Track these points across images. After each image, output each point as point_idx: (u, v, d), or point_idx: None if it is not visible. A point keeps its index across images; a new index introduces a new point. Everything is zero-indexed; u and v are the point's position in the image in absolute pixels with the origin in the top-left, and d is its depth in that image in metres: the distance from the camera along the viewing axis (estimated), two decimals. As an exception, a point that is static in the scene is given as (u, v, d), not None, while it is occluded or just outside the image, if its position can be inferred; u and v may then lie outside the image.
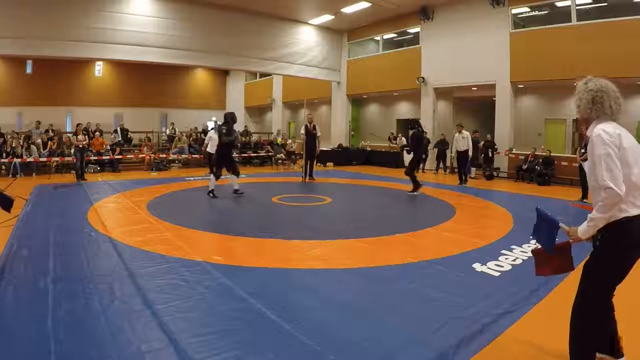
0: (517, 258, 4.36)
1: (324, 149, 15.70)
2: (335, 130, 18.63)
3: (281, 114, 22.21)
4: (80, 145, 10.66)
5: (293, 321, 2.83)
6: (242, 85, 24.75)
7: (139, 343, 2.51)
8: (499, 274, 3.92)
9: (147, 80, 20.33)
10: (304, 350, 2.48)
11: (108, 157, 13.12)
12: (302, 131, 10.88)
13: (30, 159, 11.50)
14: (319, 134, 10.97)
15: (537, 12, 12.48)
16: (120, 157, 13.50)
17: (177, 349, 2.44)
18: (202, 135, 14.70)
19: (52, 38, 11.35)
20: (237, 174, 8.17)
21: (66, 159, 11.97)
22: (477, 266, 4.09)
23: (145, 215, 6.36)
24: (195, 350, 2.43)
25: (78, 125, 11.52)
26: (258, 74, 22.41)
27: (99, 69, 19.81)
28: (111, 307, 3.03)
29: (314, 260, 4.28)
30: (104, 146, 13.41)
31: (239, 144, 14.50)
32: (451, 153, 12.15)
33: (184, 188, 9.44)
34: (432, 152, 14.21)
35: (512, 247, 4.73)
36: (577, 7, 11.16)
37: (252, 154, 15.69)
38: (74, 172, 10.93)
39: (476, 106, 16.18)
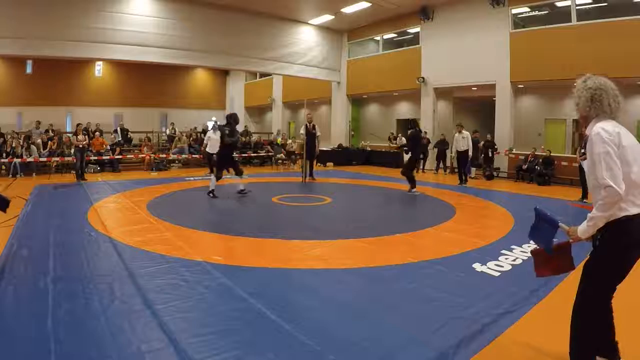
0: (517, 258, 4.36)
1: (324, 148, 15.70)
2: (335, 130, 18.63)
3: (281, 114, 22.21)
4: (80, 145, 10.66)
5: (293, 321, 2.83)
6: (242, 85, 24.75)
7: (139, 343, 2.51)
8: (499, 274, 3.92)
9: (147, 80, 20.32)
10: (304, 350, 2.48)
11: (108, 157, 13.12)
12: (302, 131, 10.88)
13: (30, 159, 11.50)
14: (318, 133, 10.98)
15: (537, 12, 12.48)
16: (120, 157, 13.50)
17: (177, 349, 2.44)
18: (202, 135, 14.70)
19: (52, 38, 11.36)
20: (240, 174, 8.17)
21: (66, 159, 11.97)
22: (477, 266, 4.09)
23: (145, 215, 6.36)
24: (195, 350, 2.43)
25: (78, 125, 11.52)
26: (258, 74, 22.40)
27: (99, 69, 19.81)
28: (111, 307, 3.03)
29: (314, 260, 4.28)
30: (104, 146, 13.41)
31: (240, 145, 14.51)
32: (451, 153, 12.14)
33: (184, 188, 9.44)
34: (432, 152, 14.21)
35: (512, 247, 4.73)
36: (577, 7, 11.16)
37: (252, 154, 15.68)
38: (74, 172, 10.93)
39: (476, 106, 16.18)
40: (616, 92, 2.09)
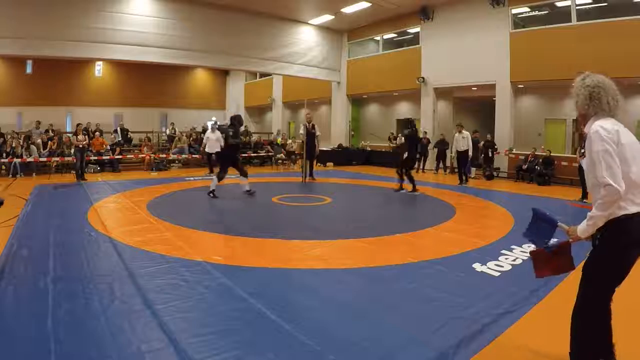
0: (517, 258, 4.36)
1: (324, 148, 15.70)
2: (335, 130, 18.63)
3: (281, 114, 22.21)
4: (80, 145, 10.66)
5: (293, 321, 2.83)
6: (242, 85, 24.75)
7: (139, 343, 2.51)
8: (499, 274, 3.92)
9: (147, 80, 20.32)
10: (304, 350, 2.48)
11: (108, 157, 13.12)
12: (302, 131, 10.88)
13: (30, 159, 11.50)
14: (318, 133, 10.97)
15: (537, 12, 12.48)
16: (120, 157, 13.50)
17: (177, 349, 2.44)
18: (202, 134, 14.71)
19: (52, 38, 11.36)
20: (244, 174, 8.17)
21: (66, 159, 11.97)
22: (477, 266, 4.09)
23: (145, 215, 6.36)
24: (195, 350, 2.43)
25: (78, 125, 11.52)
26: (258, 74, 22.41)
27: (99, 69, 19.81)
28: (111, 307, 3.03)
29: (314, 260, 4.28)
30: (104, 146, 13.40)
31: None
32: (451, 153, 12.14)
33: (184, 188, 9.44)
34: (432, 152, 14.21)
35: (512, 247, 4.73)
36: (577, 7, 11.16)
37: (252, 154, 15.68)
38: (74, 172, 10.93)
39: (476, 106, 16.18)
40: (615, 90, 2.08)
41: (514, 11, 12.46)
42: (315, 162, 11.87)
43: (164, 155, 14.07)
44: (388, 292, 3.49)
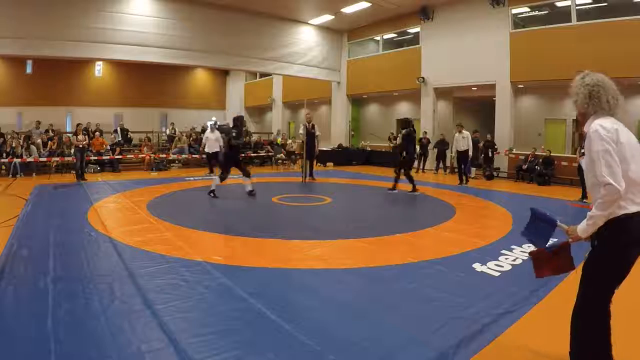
0: (517, 258, 4.36)
1: (324, 148, 15.71)
2: (335, 130, 18.63)
3: (281, 114, 22.21)
4: (80, 145, 10.66)
5: (293, 321, 2.83)
6: (242, 85, 24.75)
7: (139, 343, 2.51)
8: (499, 274, 3.92)
9: (147, 80, 20.31)
10: (304, 350, 2.48)
11: (108, 157, 13.12)
12: (301, 131, 10.88)
13: (30, 159, 11.50)
14: (318, 133, 10.97)
15: (537, 12, 12.48)
16: (120, 157, 13.50)
17: (177, 349, 2.44)
18: (202, 134, 14.71)
19: (52, 38, 11.36)
20: (247, 175, 8.18)
21: (66, 159, 11.97)
22: (477, 266, 4.09)
23: (145, 215, 6.36)
24: (195, 350, 2.43)
25: (78, 125, 11.51)
26: (258, 74, 22.41)
27: (99, 69, 19.80)
28: (111, 307, 3.03)
29: (314, 260, 4.28)
30: (104, 146, 13.41)
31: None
32: (451, 153, 12.15)
33: (184, 188, 9.44)
34: (432, 152, 14.21)
35: (512, 247, 4.73)
36: (577, 7, 11.16)
37: (252, 154, 15.69)
38: (74, 172, 10.93)
39: (476, 106, 16.18)
40: (615, 89, 2.07)
41: (514, 11, 12.46)
42: (315, 162, 11.87)
43: (164, 155, 14.08)
44: (388, 292, 3.49)
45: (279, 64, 16.01)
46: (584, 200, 8.05)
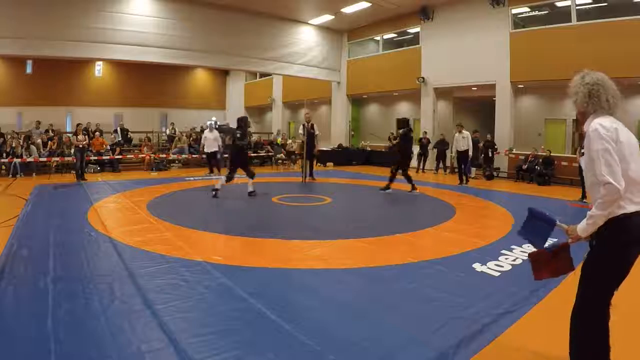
0: (517, 258, 4.36)
1: (324, 148, 15.71)
2: (335, 130, 18.63)
3: (281, 114, 22.21)
4: (80, 145, 10.66)
5: (293, 321, 2.83)
6: (242, 85, 24.75)
7: (139, 343, 2.51)
8: (499, 274, 3.92)
9: (147, 80, 20.31)
10: (304, 350, 2.48)
11: (108, 157, 13.12)
12: (301, 131, 10.87)
13: (30, 159, 11.50)
14: (317, 132, 10.96)
15: (537, 12, 12.48)
16: (120, 157, 13.50)
17: (177, 349, 2.44)
18: (201, 134, 14.71)
19: (52, 38, 11.36)
20: (251, 175, 8.18)
21: (66, 159, 11.97)
22: (477, 266, 4.09)
23: (145, 215, 6.36)
24: (195, 350, 2.43)
25: (78, 125, 11.52)
26: (258, 74, 22.41)
27: (99, 69, 19.80)
28: (111, 307, 3.03)
29: (314, 260, 4.28)
30: (104, 146, 13.41)
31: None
32: (451, 153, 12.14)
33: (184, 188, 9.43)
34: (432, 152, 14.21)
35: (512, 247, 4.73)
36: (577, 7, 11.16)
37: (252, 154, 15.68)
38: (74, 172, 10.93)
39: (476, 106, 16.18)
40: (614, 88, 2.06)
41: (514, 11, 12.46)
42: (315, 162, 11.86)
43: (164, 155, 14.08)
44: (388, 292, 3.49)
45: (279, 64, 16.01)
46: (584, 200, 8.05)
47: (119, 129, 15.53)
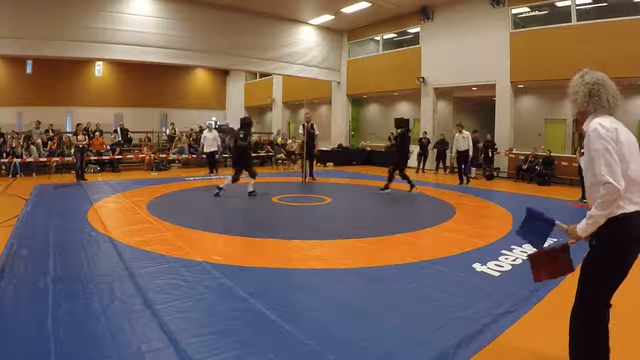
0: (517, 258, 4.36)
1: (324, 148, 15.70)
2: (335, 130, 18.63)
3: (281, 114, 22.22)
4: (80, 145, 10.66)
5: (293, 321, 2.83)
6: (242, 85, 24.75)
7: (139, 343, 2.51)
8: (499, 274, 3.92)
9: (147, 80, 20.32)
10: (304, 350, 2.48)
11: (108, 157, 13.12)
12: (301, 131, 10.87)
13: (30, 159, 11.50)
14: (317, 132, 10.96)
15: (537, 12, 12.48)
16: (120, 157, 13.50)
17: (177, 349, 2.44)
18: (200, 134, 14.70)
19: (52, 38, 11.36)
20: (253, 175, 8.19)
21: (66, 159, 11.97)
22: (477, 266, 4.09)
23: (145, 215, 6.36)
24: (195, 350, 2.43)
25: (78, 125, 11.52)
26: (258, 74, 22.41)
27: (99, 69, 19.80)
28: (111, 307, 3.03)
29: (314, 260, 4.28)
30: (104, 146, 13.41)
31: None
32: (451, 153, 12.15)
33: (184, 188, 9.44)
34: (432, 152, 14.21)
35: (512, 247, 4.73)
36: (577, 7, 11.16)
37: (252, 154, 15.65)
38: (74, 172, 10.94)
39: (476, 106, 16.18)
40: (615, 87, 2.06)
41: (514, 11, 12.47)
42: (315, 162, 11.85)
43: (164, 155, 14.08)
44: (388, 292, 3.49)
45: (279, 64, 16.01)
46: (584, 200, 8.05)
47: (119, 129, 15.53)
